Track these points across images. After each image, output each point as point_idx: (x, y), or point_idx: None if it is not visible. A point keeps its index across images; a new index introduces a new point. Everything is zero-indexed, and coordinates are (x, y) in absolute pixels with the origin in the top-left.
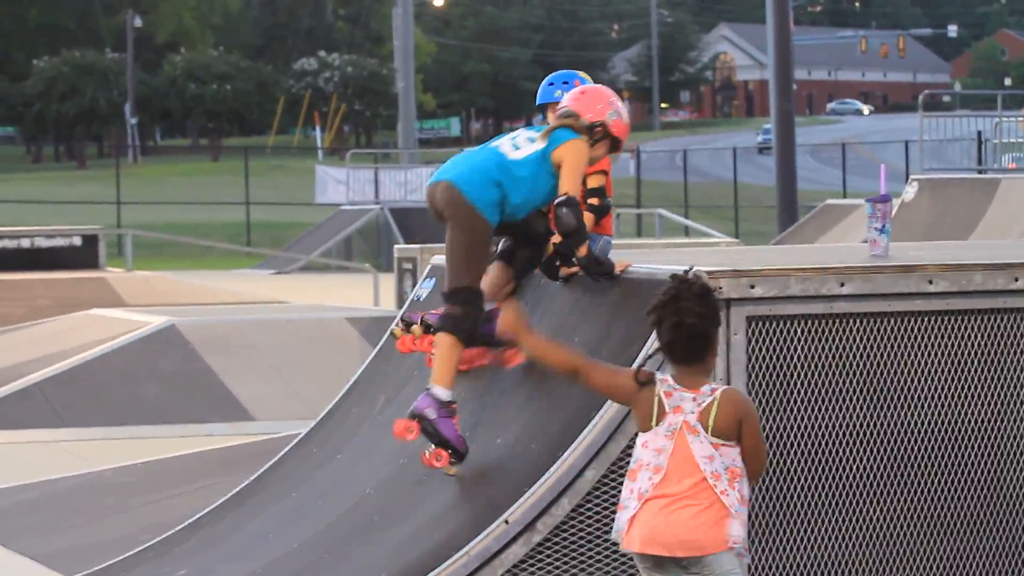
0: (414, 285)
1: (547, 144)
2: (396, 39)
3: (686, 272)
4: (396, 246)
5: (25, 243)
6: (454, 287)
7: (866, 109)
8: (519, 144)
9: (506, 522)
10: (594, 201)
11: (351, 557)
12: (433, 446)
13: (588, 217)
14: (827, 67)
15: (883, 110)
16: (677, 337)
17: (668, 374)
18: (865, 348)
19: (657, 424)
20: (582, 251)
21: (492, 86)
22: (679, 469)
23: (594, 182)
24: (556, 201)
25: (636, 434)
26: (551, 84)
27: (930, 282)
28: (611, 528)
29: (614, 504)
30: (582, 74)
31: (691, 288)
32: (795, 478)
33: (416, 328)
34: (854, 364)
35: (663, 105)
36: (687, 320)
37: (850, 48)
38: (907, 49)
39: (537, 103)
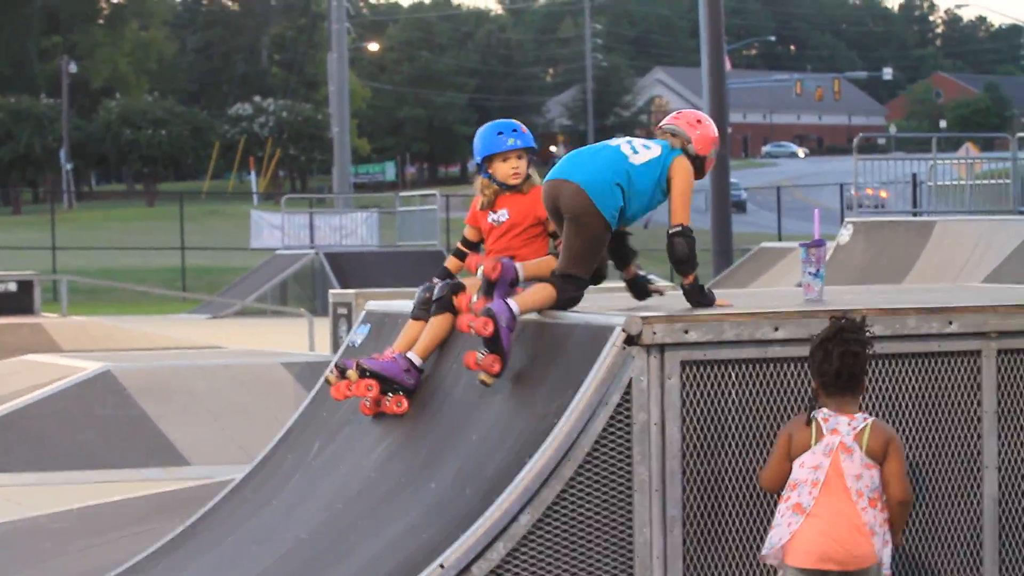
0: (349, 330)
1: (663, 155)
2: (331, 84)
3: (842, 315)
4: (331, 291)
5: None
6: (569, 273)
7: (801, 152)
8: (637, 149)
9: (441, 566)
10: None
11: None
12: (486, 352)
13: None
14: (762, 110)
15: (818, 153)
16: (845, 366)
17: (820, 408)
18: (799, 392)
19: (815, 445)
20: (688, 279)
21: (427, 130)
22: (832, 487)
23: (552, 227)
24: (671, 231)
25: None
26: (500, 133)
27: (863, 320)
28: (545, 572)
29: (549, 549)
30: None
31: (853, 324)
32: (731, 521)
33: (351, 373)
34: (788, 408)
35: None
36: (854, 350)
37: (785, 91)
38: (842, 92)
39: (485, 154)
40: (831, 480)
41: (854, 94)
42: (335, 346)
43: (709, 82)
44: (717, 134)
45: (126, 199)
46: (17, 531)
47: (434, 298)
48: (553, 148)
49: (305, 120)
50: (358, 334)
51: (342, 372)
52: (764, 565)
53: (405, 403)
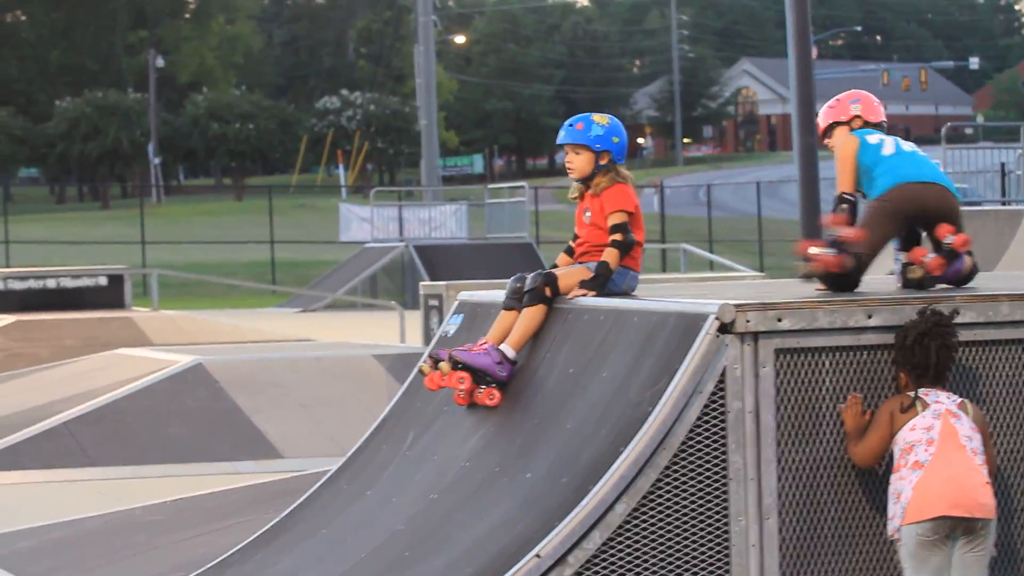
0: (440, 322)
1: None
2: (418, 77)
3: (927, 309)
4: (422, 283)
5: (51, 283)
6: (859, 247)
7: None
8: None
9: (538, 556)
10: (617, 237)
11: None
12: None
13: (613, 253)
14: None
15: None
16: (943, 357)
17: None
18: (893, 380)
19: (922, 412)
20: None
21: (514, 123)
22: (948, 442)
23: (615, 219)
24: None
25: (671, 474)
26: (569, 125)
27: (954, 312)
28: (640, 562)
29: (645, 538)
30: (597, 117)
31: (945, 318)
32: (826, 510)
33: (444, 365)
34: (882, 395)
35: (686, 140)
36: (949, 343)
37: (872, 81)
38: (929, 82)
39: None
40: (946, 436)
41: (941, 84)
42: (427, 338)
43: (796, 73)
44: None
45: (214, 193)
46: (110, 524)
47: (526, 289)
48: (640, 140)
49: (392, 113)
50: (451, 324)
51: (435, 363)
52: (879, 547)
53: (497, 396)
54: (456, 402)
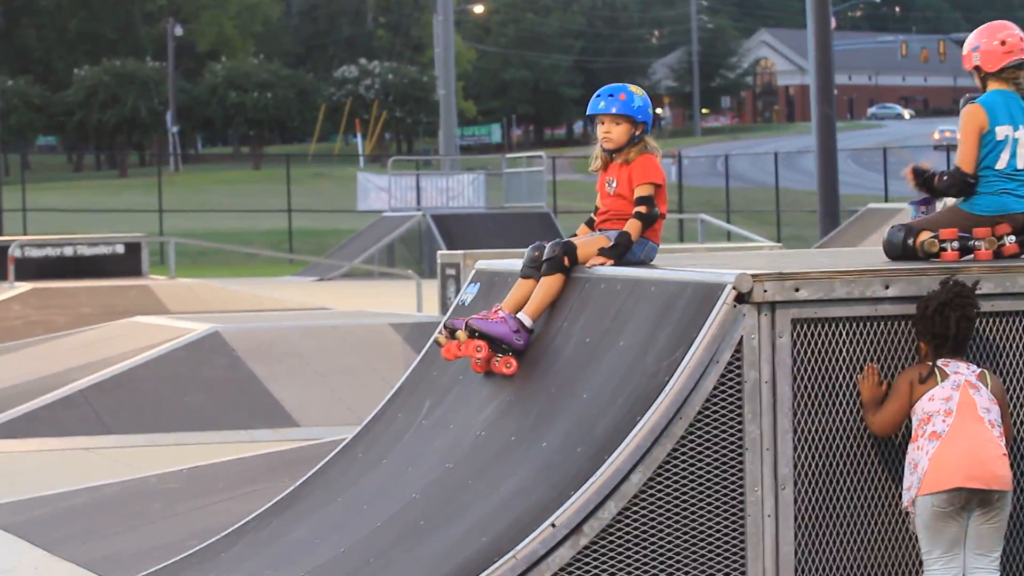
0: (458, 291)
1: None
2: (437, 46)
3: (949, 280)
4: (439, 252)
5: (68, 251)
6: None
7: (907, 113)
8: None
9: (553, 525)
10: (642, 209)
11: (396, 562)
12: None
13: (635, 224)
14: (868, 72)
15: (924, 114)
16: (961, 330)
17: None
18: (910, 350)
19: (941, 382)
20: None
21: (533, 93)
22: (966, 414)
23: (643, 191)
24: None
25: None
26: (598, 96)
27: (976, 284)
28: (655, 531)
29: (661, 507)
30: (632, 88)
31: (966, 289)
32: (841, 480)
33: (460, 334)
34: (899, 366)
35: (704, 111)
36: (969, 314)
37: (891, 53)
38: (947, 53)
39: (587, 115)
40: (964, 407)
41: (959, 55)
42: (443, 307)
43: (815, 43)
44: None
45: (232, 162)
46: (127, 492)
47: (545, 258)
48: (659, 110)
49: (411, 82)
50: (468, 293)
51: (452, 332)
52: (895, 518)
53: (514, 364)
54: (473, 370)
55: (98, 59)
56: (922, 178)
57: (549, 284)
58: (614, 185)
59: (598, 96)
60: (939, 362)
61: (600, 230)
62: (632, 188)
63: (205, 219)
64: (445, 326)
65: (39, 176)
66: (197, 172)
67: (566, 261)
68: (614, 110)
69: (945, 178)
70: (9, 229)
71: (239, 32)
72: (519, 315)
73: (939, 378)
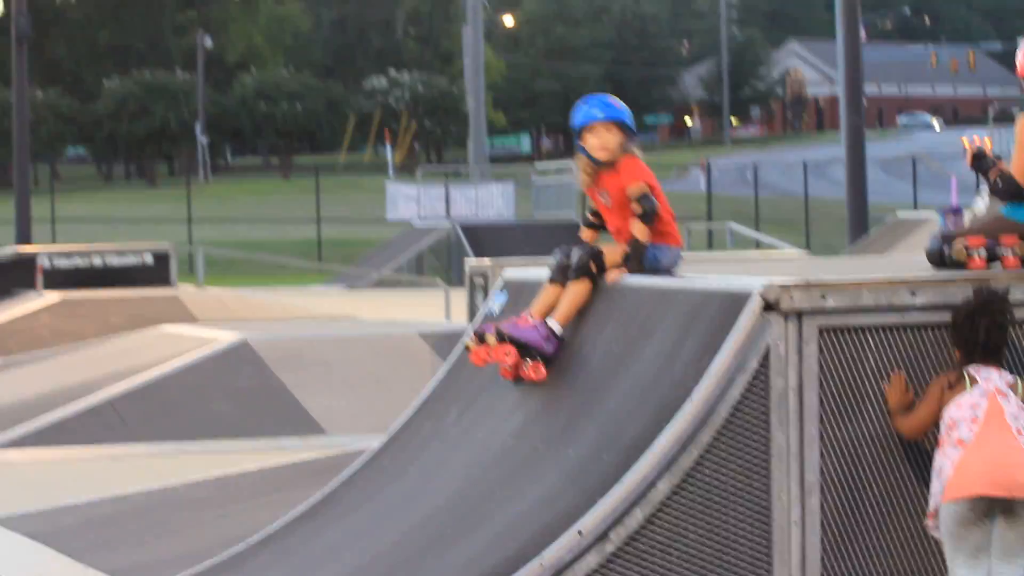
0: (485, 299)
1: None
2: (466, 57)
3: (985, 286)
4: (468, 260)
5: (97, 261)
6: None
7: (936, 123)
8: None
9: (579, 532)
10: (638, 209)
11: (423, 569)
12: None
13: (640, 227)
14: (897, 82)
15: (953, 124)
16: (991, 338)
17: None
18: (937, 358)
19: (970, 388)
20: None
21: (562, 103)
22: (993, 421)
23: (634, 190)
24: None
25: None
26: (587, 105)
27: (1006, 291)
28: (681, 538)
29: (687, 515)
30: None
31: (998, 296)
32: (869, 488)
33: (490, 338)
34: (927, 374)
35: (733, 121)
36: (1000, 322)
37: (920, 63)
38: (977, 63)
39: (573, 127)
40: (991, 415)
41: (989, 66)
42: (472, 316)
43: (844, 54)
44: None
45: (262, 172)
46: (155, 500)
47: (573, 265)
48: (688, 120)
49: (440, 93)
50: (496, 302)
51: (481, 338)
52: (922, 526)
53: (543, 370)
54: (502, 376)
55: (127, 70)
56: (979, 162)
57: (577, 290)
58: (608, 198)
59: (590, 105)
60: (970, 369)
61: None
62: (624, 191)
63: (234, 229)
64: (475, 332)
65: (68, 186)
66: (226, 182)
67: (593, 267)
68: (609, 116)
69: (1000, 183)
70: (38, 239)
71: (268, 43)
72: (549, 321)
73: (968, 384)
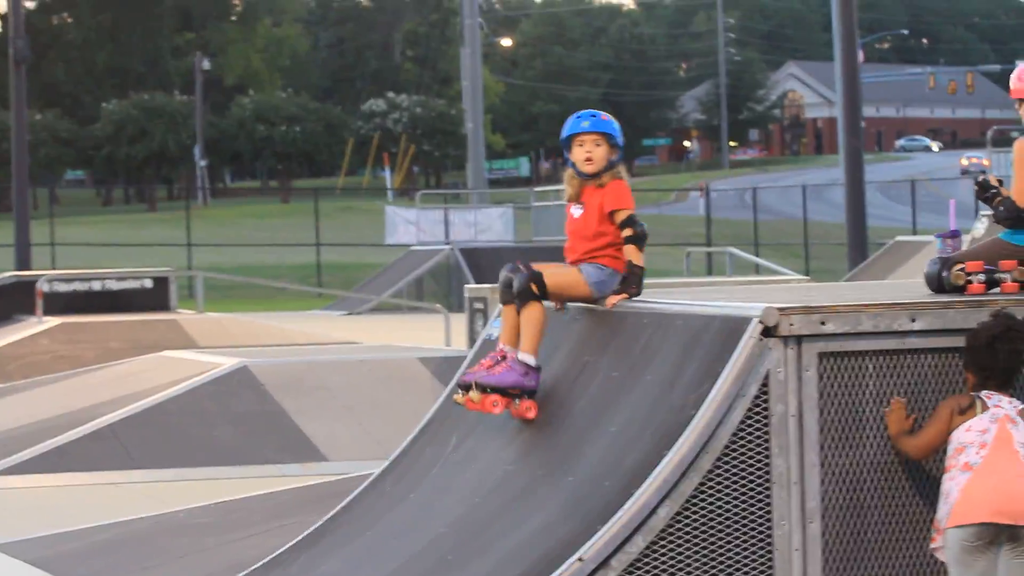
0: (485, 324)
1: None
2: (464, 79)
3: (1000, 312)
4: (467, 286)
5: (96, 286)
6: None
7: (935, 146)
8: None
9: (580, 560)
10: (630, 232)
11: None
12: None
13: (632, 250)
14: (895, 104)
15: (952, 146)
16: (1011, 363)
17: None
18: (937, 383)
19: (981, 414)
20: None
21: (561, 125)
22: (1002, 448)
23: (622, 216)
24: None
25: (735, 478)
26: (578, 118)
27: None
28: (683, 565)
29: (688, 542)
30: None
31: (1018, 323)
32: (870, 513)
33: (474, 393)
34: (926, 399)
35: (732, 144)
36: (1019, 347)
37: (918, 85)
38: (976, 85)
39: (561, 138)
40: (1000, 441)
41: (987, 87)
42: (471, 341)
43: (842, 76)
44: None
45: (261, 195)
46: (156, 527)
47: (515, 292)
48: (687, 143)
49: (439, 116)
50: (494, 327)
51: (466, 389)
52: (924, 552)
53: (534, 408)
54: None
55: (126, 93)
56: (985, 192)
57: (531, 316)
58: (580, 211)
59: (579, 117)
60: (982, 394)
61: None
62: (601, 212)
63: (234, 253)
64: (459, 384)
65: (67, 210)
66: (225, 206)
67: (535, 289)
68: (598, 128)
69: (1002, 208)
70: (38, 264)
71: (267, 66)
72: (521, 356)
73: (979, 410)
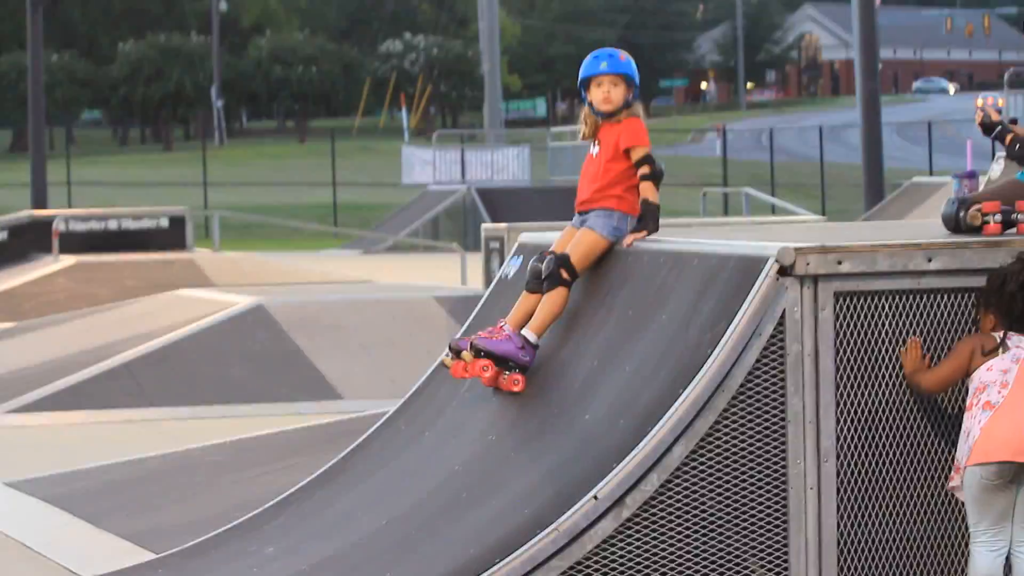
0: (501, 264)
1: None
2: (481, 21)
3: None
4: (483, 225)
5: (113, 225)
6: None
7: (952, 88)
8: None
9: (595, 498)
10: (646, 170)
11: (439, 534)
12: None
13: (648, 187)
14: (912, 46)
15: (969, 89)
16: None
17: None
18: (952, 323)
19: (1002, 354)
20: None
21: (577, 67)
22: (1022, 388)
23: (638, 153)
24: None
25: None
26: (596, 58)
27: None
28: (697, 504)
29: (703, 480)
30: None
31: None
32: (884, 453)
33: (466, 354)
34: (942, 339)
35: (749, 85)
36: None
37: (935, 27)
38: (992, 28)
39: (580, 79)
40: (1021, 381)
41: (1004, 30)
42: (487, 280)
43: (859, 18)
44: None
45: (277, 136)
46: (171, 464)
47: (543, 276)
48: (704, 84)
49: (455, 57)
50: (511, 266)
51: (457, 353)
52: (939, 490)
53: (521, 382)
54: (484, 384)
55: (143, 34)
56: (990, 131)
57: (553, 300)
58: (597, 149)
59: (597, 58)
60: (1005, 335)
61: (580, 212)
62: (616, 148)
63: (250, 193)
64: (450, 347)
65: (84, 150)
66: (242, 146)
67: (564, 274)
68: (616, 70)
69: (1018, 146)
70: (54, 203)
71: (284, 6)
72: (524, 331)
73: (1002, 350)
